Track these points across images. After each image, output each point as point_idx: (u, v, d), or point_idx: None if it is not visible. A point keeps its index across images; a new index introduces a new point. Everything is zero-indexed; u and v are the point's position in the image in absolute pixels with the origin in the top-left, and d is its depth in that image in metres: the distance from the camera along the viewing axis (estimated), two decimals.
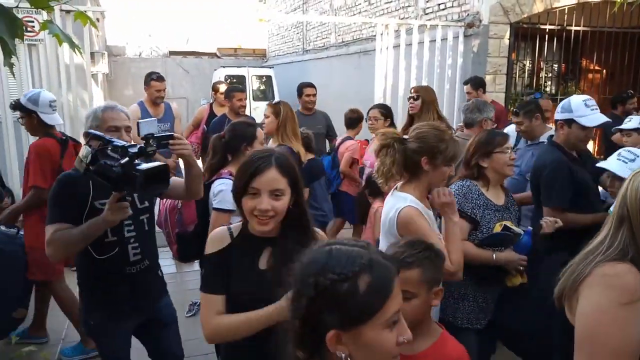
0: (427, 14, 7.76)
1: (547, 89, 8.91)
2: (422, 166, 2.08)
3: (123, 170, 1.82)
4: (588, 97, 2.88)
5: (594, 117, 2.78)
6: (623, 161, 2.57)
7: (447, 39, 6.41)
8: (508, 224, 2.36)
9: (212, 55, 19.48)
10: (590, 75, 9.48)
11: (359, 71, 9.58)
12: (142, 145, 1.96)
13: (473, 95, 5.33)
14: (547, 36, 6.94)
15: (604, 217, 2.43)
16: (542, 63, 8.25)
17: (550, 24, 6.85)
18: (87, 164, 1.87)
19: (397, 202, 2.09)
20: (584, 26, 6.97)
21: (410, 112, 4.03)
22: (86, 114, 2.28)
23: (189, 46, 22.43)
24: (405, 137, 2.14)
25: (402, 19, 8.13)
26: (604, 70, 9.08)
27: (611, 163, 2.62)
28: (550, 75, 9.05)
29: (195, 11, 25.57)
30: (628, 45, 7.40)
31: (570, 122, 2.82)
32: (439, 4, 7.53)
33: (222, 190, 2.57)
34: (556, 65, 8.83)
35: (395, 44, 6.19)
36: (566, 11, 6.83)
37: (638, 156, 2.58)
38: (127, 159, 1.84)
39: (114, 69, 16.35)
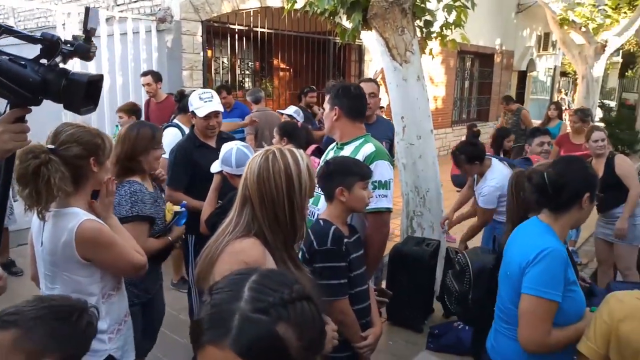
0: (119, 5, 7.43)
1: (246, 84, 9.63)
2: (90, 170, 1.79)
3: (49, 75, 1.18)
4: (205, 90, 3.17)
5: (205, 107, 3.03)
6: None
7: (139, 32, 6.27)
8: (170, 205, 2.47)
9: None
10: (280, 73, 10.66)
11: None
12: (81, 42, 1.27)
13: (153, 88, 5.38)
14: (237, 36, 7.46)
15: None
16: (238, 61, 8.85)
17: (239, 25, 7.37)
18: None
19: (67, 221, 1.71)
20: (268, 28, 7.74)
21: None
22: None
23: None
24: (51, 146, 1.69)
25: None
26: (291, 69, 10.34)
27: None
28: (247, 72, 9.80)
29: None
30: (306, 48, 8.56)
31: (193, 113, 3.09)
32: None
33: None
34: (251, 63, 9.61)
35: None
36: (252, 13, 7.47)
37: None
38: (59, 57, 1.20)
39: None
